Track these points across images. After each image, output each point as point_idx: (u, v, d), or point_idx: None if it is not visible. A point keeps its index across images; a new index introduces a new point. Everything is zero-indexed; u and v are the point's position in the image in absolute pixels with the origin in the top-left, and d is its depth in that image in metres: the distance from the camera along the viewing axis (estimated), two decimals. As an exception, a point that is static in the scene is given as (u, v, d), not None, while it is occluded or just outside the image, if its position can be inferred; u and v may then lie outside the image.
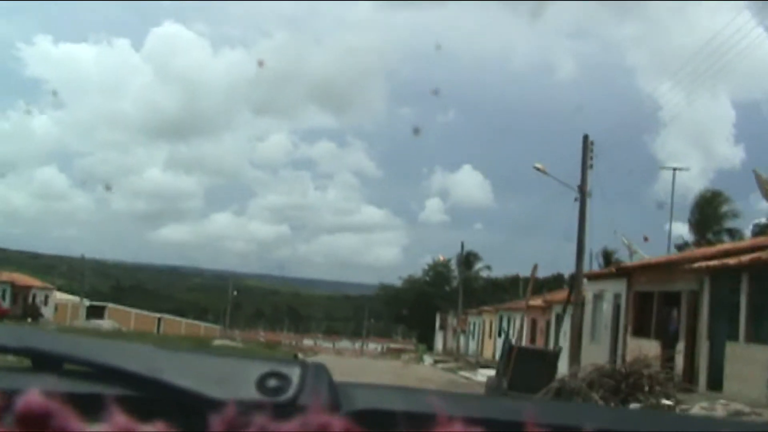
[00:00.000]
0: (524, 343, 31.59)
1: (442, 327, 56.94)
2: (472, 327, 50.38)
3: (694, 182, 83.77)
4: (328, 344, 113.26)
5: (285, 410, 0.68)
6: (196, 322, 70.73)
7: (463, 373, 31.67)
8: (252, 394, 0.77)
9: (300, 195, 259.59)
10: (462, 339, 50.84)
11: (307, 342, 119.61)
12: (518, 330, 24.66)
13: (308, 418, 0.58)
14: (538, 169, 25.36)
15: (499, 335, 39.75)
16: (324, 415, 0.58)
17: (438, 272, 66.79)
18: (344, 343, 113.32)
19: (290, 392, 0.78)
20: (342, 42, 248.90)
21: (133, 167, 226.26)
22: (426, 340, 60.08)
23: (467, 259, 63.07)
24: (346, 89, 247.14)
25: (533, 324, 35.51)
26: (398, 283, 73.32)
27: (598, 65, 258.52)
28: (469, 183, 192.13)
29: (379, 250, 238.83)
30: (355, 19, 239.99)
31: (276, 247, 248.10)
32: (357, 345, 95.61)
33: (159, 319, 60.76)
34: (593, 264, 39.00)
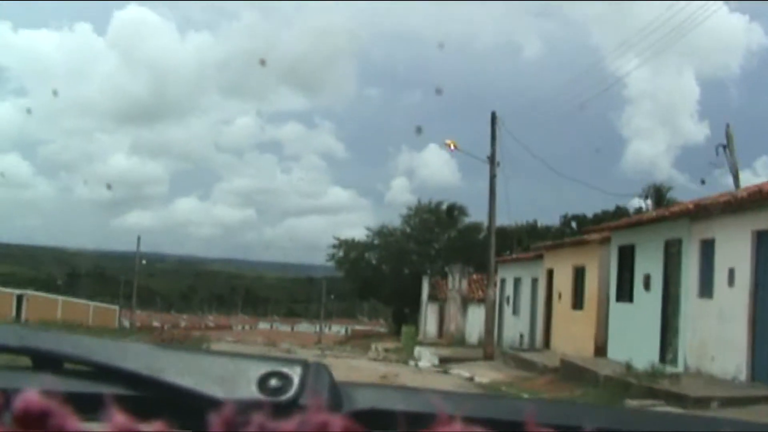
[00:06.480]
0: None
1: (434, 297, 36.83)
2: (511, 289, 28.26)
3: (660, 158, 73.50)
4: (285, 327, 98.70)
5: (286, 410, 0.66)
6: (83, 301, 51.68)
7: None
8: (253, 393, 0.76)
9: (267, 178, 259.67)
10: (471, 314, 32.22)
11: (263, 325, 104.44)
12: None
13: (309, 418, 0.57)
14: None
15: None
16: (325, 414, 0.57)
17: (423, 220, 44.28)
18: (304, 326, 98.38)
19: (291, 392, 0.76)
20: (311, 23, 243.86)
21: (97, 154, 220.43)
22: (405, 319, 41.11)
23: (450, 213, 45.13)
24: (315, 70, 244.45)
25: None
26: (364, 237, 46.78)
27: (563, 43, 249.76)
28: (435, 162, 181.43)
29: (346, 231, 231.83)
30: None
31: (242, 231, 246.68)
32: (318, 328, 78.42)
33: (20, 297, 41.84)
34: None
